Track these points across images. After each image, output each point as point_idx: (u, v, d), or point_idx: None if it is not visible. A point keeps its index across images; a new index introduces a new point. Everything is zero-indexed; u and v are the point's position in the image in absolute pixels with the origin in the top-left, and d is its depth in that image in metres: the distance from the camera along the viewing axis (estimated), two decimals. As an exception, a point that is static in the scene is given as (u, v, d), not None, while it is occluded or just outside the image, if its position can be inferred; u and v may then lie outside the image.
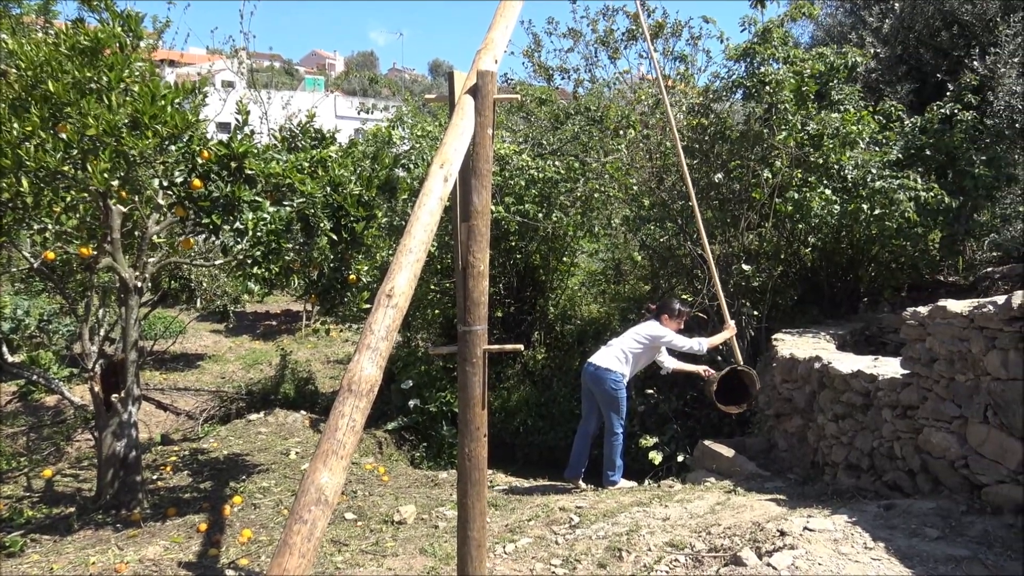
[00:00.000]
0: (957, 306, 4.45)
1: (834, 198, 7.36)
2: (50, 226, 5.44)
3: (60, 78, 4.65)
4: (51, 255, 5.79)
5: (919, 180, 7.50)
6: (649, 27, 10.23)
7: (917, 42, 10.87)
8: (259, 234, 5.33)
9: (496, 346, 3.36)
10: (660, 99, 9.45)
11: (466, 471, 3.24)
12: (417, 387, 9.26)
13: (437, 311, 10.44)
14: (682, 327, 6.59)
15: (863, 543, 3.80)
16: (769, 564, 3.64)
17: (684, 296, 8.50)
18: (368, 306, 6.78)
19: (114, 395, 5.92)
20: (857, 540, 3.84)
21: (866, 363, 5.62)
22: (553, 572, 4.29)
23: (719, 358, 7.60)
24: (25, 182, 4.62)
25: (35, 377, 6.86)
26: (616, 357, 6.31)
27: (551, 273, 11.04)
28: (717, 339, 6.41)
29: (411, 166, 9.23)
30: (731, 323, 6.40)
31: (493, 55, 3.23)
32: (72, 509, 5.95)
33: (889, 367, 5.34)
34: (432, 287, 10.03)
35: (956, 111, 8.13)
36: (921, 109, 8.70)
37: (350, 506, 6.01)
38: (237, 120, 5.87)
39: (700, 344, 6.33)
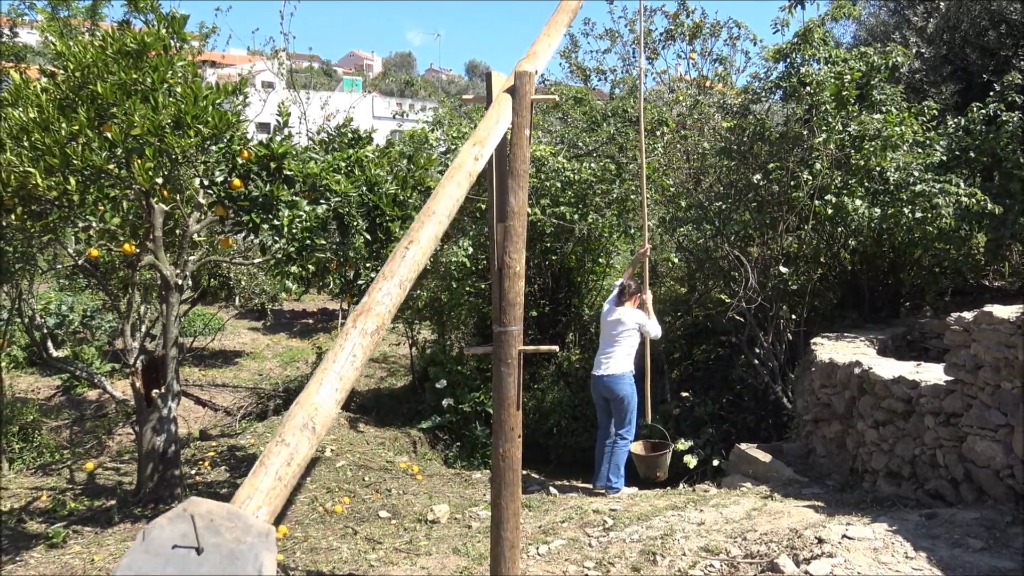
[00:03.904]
0: (1004, 311, 4.35)
1: (863, 207, 7.21)
2: (94, 224, 5.55)
3: (107, 79, 4.75)
4: (96, 252, 5.91)
5: (961, 184, 7.33)
6: (688, 27, 10.17)
7: (963, 42, 10.64)
8: (295, 231, 5.39)
9: (531, 347, 3.35)
10: (698, 100, 9.39)
11: (500, 471, 3.24)
12: (451, 386, 9.28)
13: (472, 312, 10.46)
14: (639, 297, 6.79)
15: (904, 552, 3.72)
16: (807, 572, 3.59)
17: (721, 296, 8.41)
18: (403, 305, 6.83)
19: (154, 390, 6.03)
20: (898, 549, 3.76)
21: (908, 369, 5.51)
22: (586, 574, 4.28)
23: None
24: (72, 180, 4.72)
25: (78, 372, 7.02)
26: (622, 359, 6.47)
27: (586, 274, 11.00)
28: (652, 314, 6.74)
29: (444, 169, 9.25)
30: (649, 295, 6.77)
31: (534, 66, 3.23)
32: (113, 502, 6.06)
33: (932, 373, 5.23)
34: (467, 287, 10.04)
35: (1000, 112, 7.94)
36: (967, 110, 8.51)
37: (384, 504, 6.04)
38: (277, 122, 5.95)
39: (657, 330, 6.68)
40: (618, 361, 6.41)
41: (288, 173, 5.49)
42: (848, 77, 7.51)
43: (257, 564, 1.50)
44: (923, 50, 10.70)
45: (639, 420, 6.67)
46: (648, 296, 6.80)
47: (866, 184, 7.54)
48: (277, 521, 5.50)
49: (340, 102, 15.50)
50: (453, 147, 9.70)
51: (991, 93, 8.35)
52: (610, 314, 6.57)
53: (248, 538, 1.53)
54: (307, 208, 5.45)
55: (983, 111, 8.07)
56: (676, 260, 9.67)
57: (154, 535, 1.51)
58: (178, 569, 1.46)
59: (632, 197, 9.36)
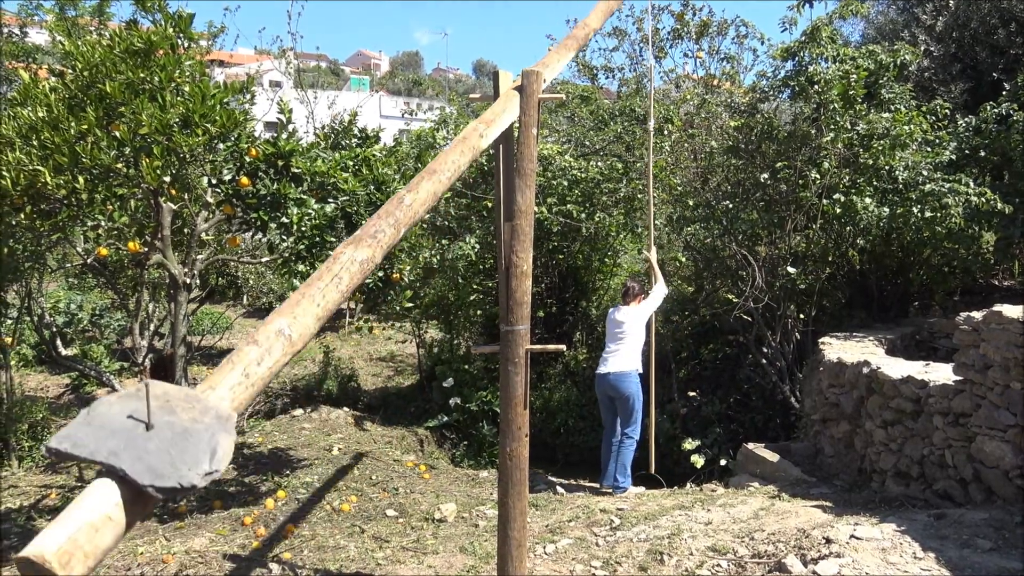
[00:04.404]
0: (1013, 311, 4.33)
1: (873, 207, 7.18)
2: (103, 223, 5.57)
3: (115, 78, 4.76)
4: (104, 251, 5.93)
5: (971, 183, 7.30)
6: (694, 26, 10.16)
7: (972, 40, 10.59)
8: (303, 229, 5.40)
9: (538, 346, 3.35)
10: (705, 99, 9.37)
11: (507, 471, 3.24)
12: (458, 385, 9.29)
13: (479, 311, 10.46)
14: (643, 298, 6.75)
15: (912, 553, 3.71)
16: (815, 572, 3.58)
17: (728, 296, 8.40)
18: (410, 304, 6.85)
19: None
20: (906, 550, 3.75)
21: (916, 368, 5.49)
22: (593, 574, 4.27)
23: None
24: (81, 179, 4.74)
25: (87, 370, 7.04)
26: (628, 357, 6.45)
27: (593, 273, 11.00)
28: (658, 273, 6.71)
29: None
30: (654, 251, 6.83)
31: (544, 73, 3.24)
32: (121, 500, 6.07)
33: (940, 373, 5.21)
34: (475, 286, 10.04)
35: (1012, 111, 7.89)
36: (976, 109, 8.46)
37: (391, 503, 6.05)
38: (281, 119, 5.95)
39: (661, 290, 6.62)
40: (623, 359, 6.41)
41: (296, 171, 5.49)
42: (855, 76, 7.49)
43: (212, 443, 1.37)
44: (932, 48, 10.66)
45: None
46: (653, 253, 6.78)
47: (875, 183, 7.51)
48: (289, 521, 5.51)
49: (347, 101, 15.52)
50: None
51: (1003, 92, 8.30)
52: (615, 313, 6.60)
53: (206, 419, 1.41)
54: (315, 206, 5.46)
55: (995, 110, 8.02)
56: (683, 259, 9.66)
57: (100, 411, 1.35)
58: (121, 442, 1.30)
59: (639, 196, 9.35)
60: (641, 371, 6.50)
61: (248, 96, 5.65)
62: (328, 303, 1.88)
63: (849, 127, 7.50)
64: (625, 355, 6.43)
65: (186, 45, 5.26)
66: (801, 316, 8.15)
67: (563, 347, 3.94)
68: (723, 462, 7.78)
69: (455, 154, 2.64)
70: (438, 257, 8.32)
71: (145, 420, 1.34)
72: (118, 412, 1.35)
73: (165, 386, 1.43)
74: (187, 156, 5.06)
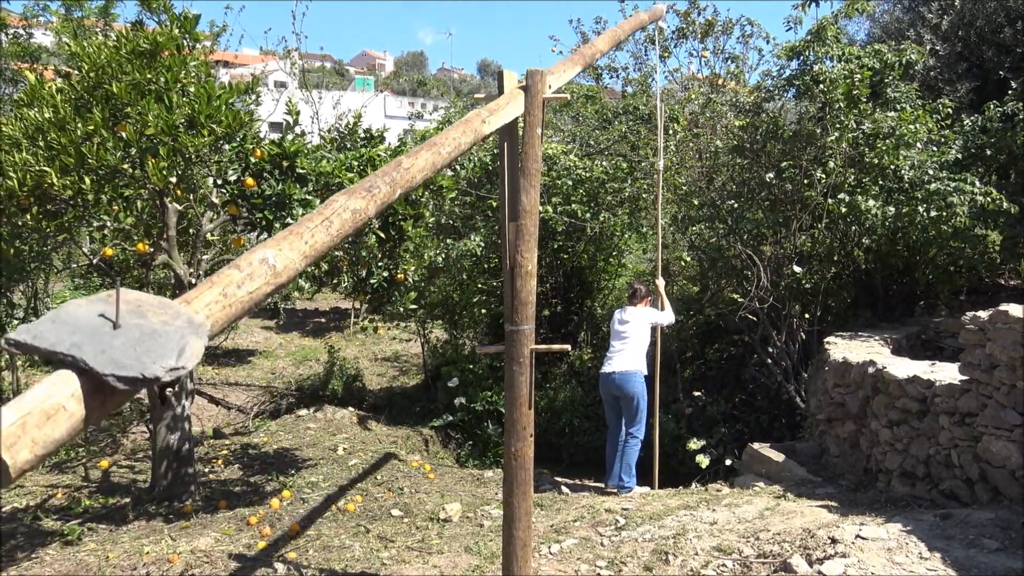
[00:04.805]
0: (1019, 311, 4.32)
1: (876, 207, 7.16)
2: (109, 223, 5.58)
3: (121, 79, 4.78)
4: (110, 251, 5.95)
5: (976, 183, 7.27)
6: (700, 25, 10.15)
7: (978, 38, 10.55)
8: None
9: (543, 346, 3.35)
10: (711, 98, 9.36)
11: (512, 470, 3.24)
12: (463, 385, 9.30)
13: (484, 310, 10.47)
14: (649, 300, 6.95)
15: (918, 553, 3.70)
16: (820, 572, 3.57)
17: (734, 296, 8.39)
18: (415, 306, 6.86)
19: (168, 389, 6.05)
20: (912, 550, 3.74)
21: (922, 368, 5.48)
22: (598, 574, 4.27)
23: None
24: (87, 180, 4.76)
25: (93, 370, 7.02)
26: (633, 357, 6.49)
27: (598, 273, 10.99)
28: (667, 303, 7.04)
29: (458, 167, 9.28)
30: (662, 281, 7.15)
31: (548, 79, 3.26)
32: (127, 500, 6.10)
33: (946, 373, 5.20)
34: (479, 286, 10.05)
35: (1017, 109, 7.86)
36: (982, 108, 8.43)
37: (396, 503, 6.06)
38: (287, 121, 5.97)
39: (669, 317, 6.94)
40: (628, 358, 6.43)
41: (301, 171, 5.51)
42: (858, 76, 7.47)
43: (181, 343, 1.35)
44: (938, 47, 10.62)
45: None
46: (661, 282, 6.97)
47: (880, 182, 7.49)
48: (295, 521, 5.52)
49: (352, 101, 15.54)
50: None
51: (1009, 91, 8.27)
52: (620, 313, 6.64)
53: (177, 322, 1.39)
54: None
55: (1000, 109, 7.99)
56: (688, 259, 9.65)
57: (67, 310, 1.33)
58: (86, 337, 1.28)
59: (644, 196, 9.34)
60: (646, 372, 6.52)
61: (253, 97, 5.66)
62: (317, 243, 1.91)
63: (854, 126, 7.49)
64: (630, 355, 6.45)
65: (192, 46, 5.27)
66: (806, 316, 8.13)
67: (568, 347, 3.95)
68: (728, 462, 7.77)
69: (457, 132, 2.67)
70: (443, 256, 8.32)
71: (113, 320, 1.33)
72: (85, 313, 1.34)
73: (138, 294, 1.44)
74: (193, 157, 5.07)
